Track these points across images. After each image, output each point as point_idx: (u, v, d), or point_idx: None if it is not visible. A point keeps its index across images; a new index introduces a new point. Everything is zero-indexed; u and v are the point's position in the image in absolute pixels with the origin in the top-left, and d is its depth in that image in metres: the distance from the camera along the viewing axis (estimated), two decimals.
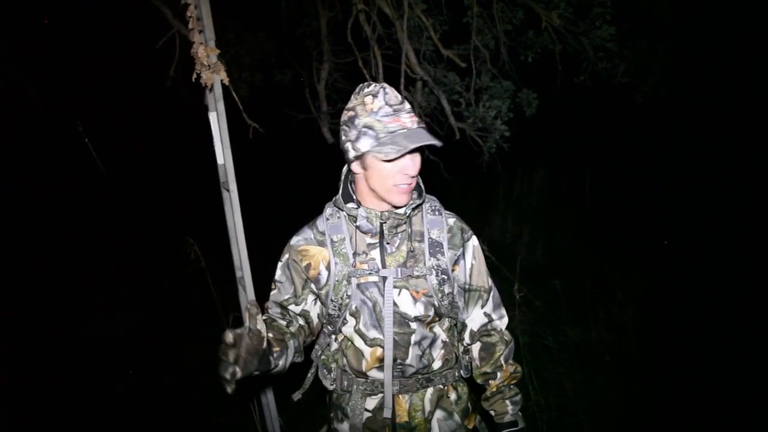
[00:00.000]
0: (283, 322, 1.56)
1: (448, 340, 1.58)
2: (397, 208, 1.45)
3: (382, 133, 1.31)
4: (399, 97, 1.38)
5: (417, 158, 1.39)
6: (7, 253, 5.81)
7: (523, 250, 6.09)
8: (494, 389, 1.60)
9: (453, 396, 1.62)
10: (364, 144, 1.33)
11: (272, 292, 1.59)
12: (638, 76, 4.60)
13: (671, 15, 4.57)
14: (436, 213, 1.53)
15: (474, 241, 1.59)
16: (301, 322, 1.58)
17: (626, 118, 7.11)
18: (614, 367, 3.47)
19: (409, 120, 1.34)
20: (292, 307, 1.57)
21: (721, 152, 7.35)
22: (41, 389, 3.76)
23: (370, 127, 1.33)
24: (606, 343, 3.68)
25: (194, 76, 2.04)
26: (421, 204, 1.52)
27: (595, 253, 5.37)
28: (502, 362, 1.60)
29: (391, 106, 1.34)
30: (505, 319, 1.65)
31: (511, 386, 1.60)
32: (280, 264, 1.58)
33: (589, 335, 3.61)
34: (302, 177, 7.89)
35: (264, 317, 1.53)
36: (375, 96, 1.35)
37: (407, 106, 1.38)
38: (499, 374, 1.60)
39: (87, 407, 3.53)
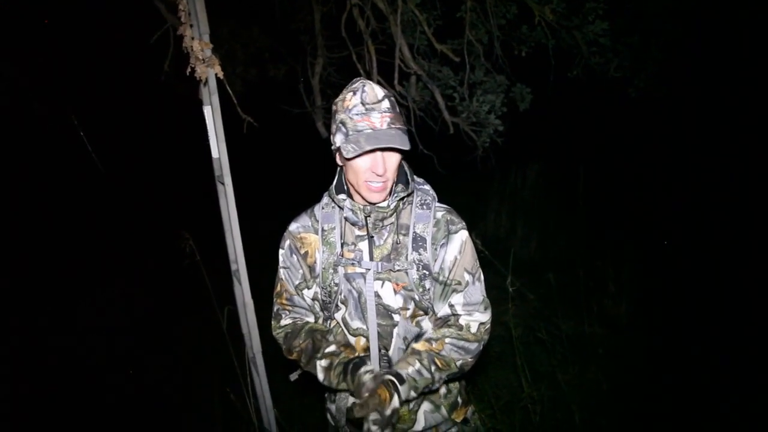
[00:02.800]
0: (312, 319, 1.62)
1: None
2: (372, 203, 1.46)
3: (351, 130, 1.34)
4: (379, 95, 1.37)
5: (387, 157, 1.39)
6: (2, 247, 5.79)
7: (516, 243, 6.10)
8: (411, 350, 1.49)
9: (443, 390, 1.63)
10: (338, 139, 1.38)
11: (282, 281, 1.61)
12: (631, 71, 4.61)
13: (664, 10, 4.58)
14: (424, 207, 1.52)
15: (462, 236, 1.52)
16: (317, 308, 1.62)
17: (619, 113, 7.14)
18: (607, 360, 3.50)
19: (379, 120, 1.34)
20: (305, 293, 1.60)
21: (715, 146, 7.40)
22: (37, 385, 3.76)
23: (343, 124, 1.36)
24: (599, 336, 3.71)
25: (189, 70, 2.04)
26: (407, 196, 1.52)
27: (589, 246, 5.39)
28: (441, 336, 1.48)
29: (365, 104, 1.35)
30: (478, 316, 1.51)
31: (432, 360, 1.44)
32: (282, 251, 1.60)
33: (582, 328, 3.63)
34: (297, 171, 7.89)
35: (289, 320, 1.62)
36: (354, 93, 1.37)
37: (385, 105, 1.36)
38: (432, 343, 1.48)
39: (81, 401, 3.54)
